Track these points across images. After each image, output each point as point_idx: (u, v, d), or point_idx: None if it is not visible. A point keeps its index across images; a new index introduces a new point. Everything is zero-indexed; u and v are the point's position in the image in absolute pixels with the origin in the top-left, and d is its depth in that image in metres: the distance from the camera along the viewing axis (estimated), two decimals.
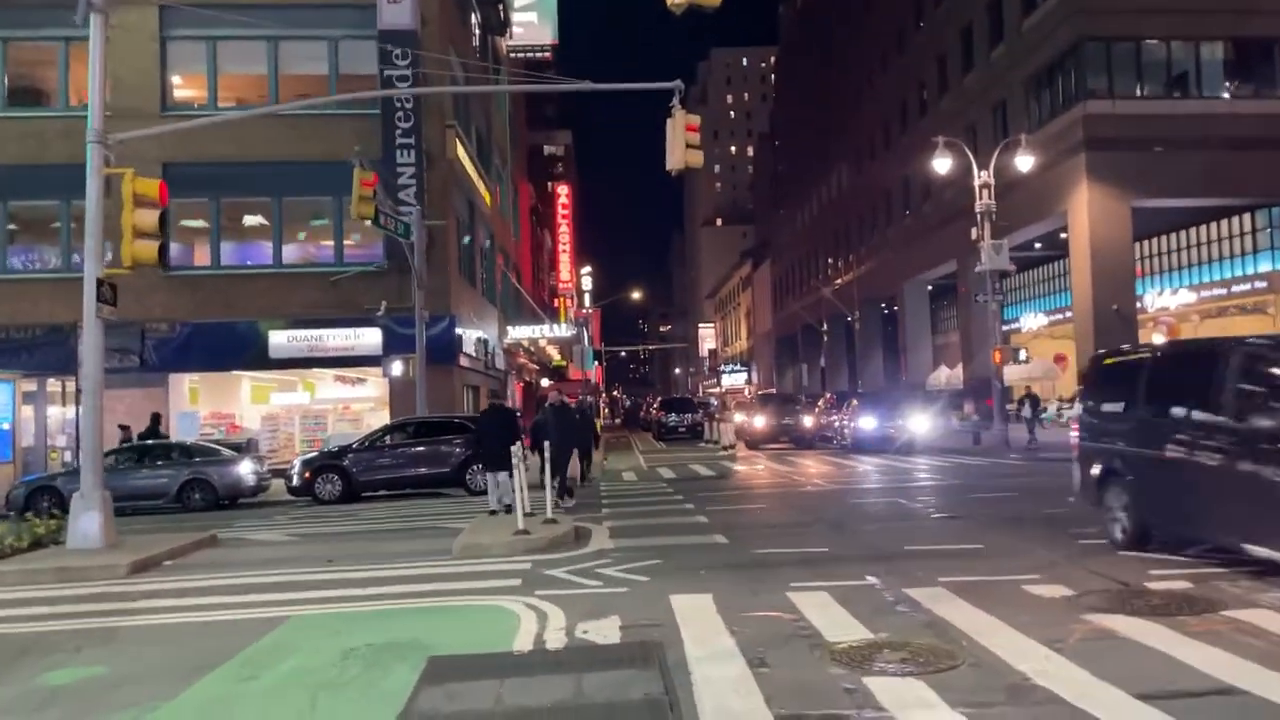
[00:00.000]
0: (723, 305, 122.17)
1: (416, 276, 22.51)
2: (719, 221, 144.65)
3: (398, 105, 26.46)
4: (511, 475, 12.43)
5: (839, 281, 58.75)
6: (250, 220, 28.58)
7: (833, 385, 60.63)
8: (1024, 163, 27.70)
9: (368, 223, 18.85)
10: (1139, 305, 31.35)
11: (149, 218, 12.32)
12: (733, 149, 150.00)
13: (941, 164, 28.30)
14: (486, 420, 15.01)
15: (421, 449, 20.49)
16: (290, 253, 27.84)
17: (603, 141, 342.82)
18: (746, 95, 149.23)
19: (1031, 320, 44.28)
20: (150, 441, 21.41)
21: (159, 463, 20.09)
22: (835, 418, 31.80)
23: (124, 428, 25.32)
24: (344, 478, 20.01)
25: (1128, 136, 29.45)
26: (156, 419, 25.45)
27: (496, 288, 38.43)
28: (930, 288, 48.52)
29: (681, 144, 14.82)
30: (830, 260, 62.70)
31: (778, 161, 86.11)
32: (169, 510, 19.57)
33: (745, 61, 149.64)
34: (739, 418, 36.26)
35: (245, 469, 20.09)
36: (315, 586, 9.31)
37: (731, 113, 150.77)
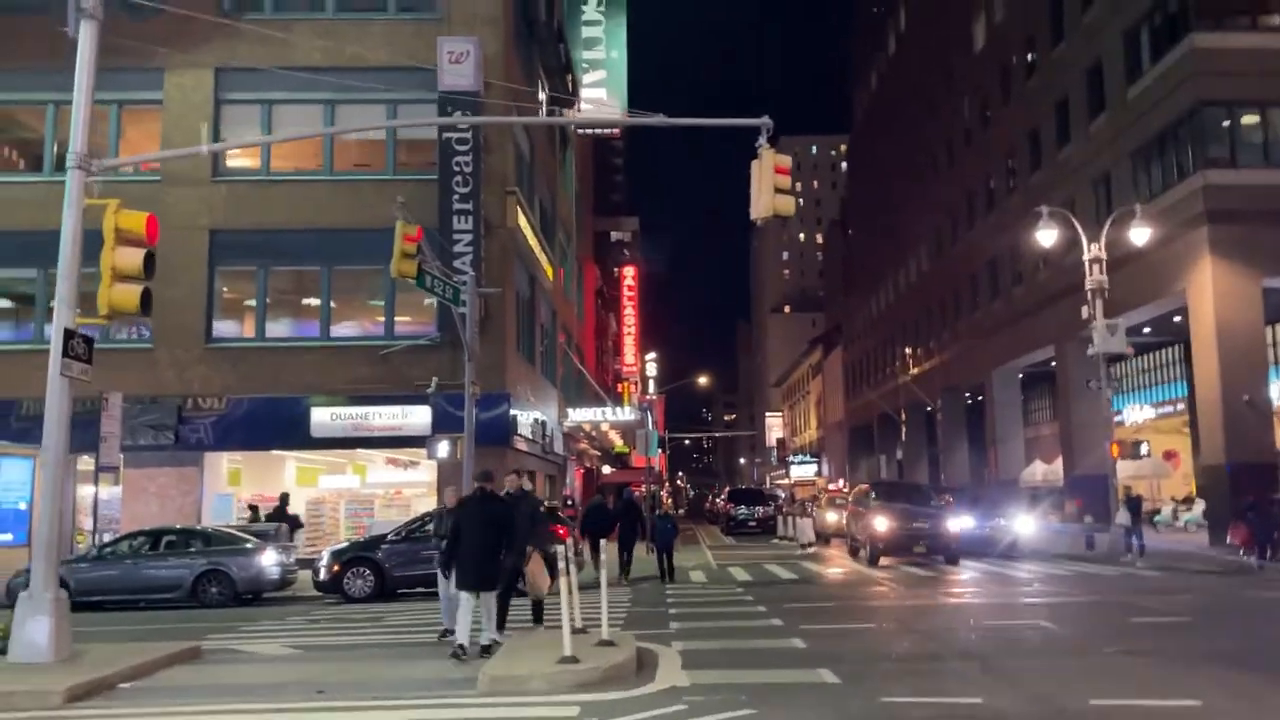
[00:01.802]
0: (791, 394, 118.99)
1: (467, 349, 20.45)
2: (787, 309, 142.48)
3: (456, 170, 24.84)
4: (500, 592, 10.55)
5: (918, 370, 55.71)
6: (298, 290, 27.02)
7: (910, 478, 57.12)
8: (1139, 235, 24.99)
9: (413, 283, 16.82)
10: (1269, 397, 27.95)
11: (133, 258, 10.30)
12: (801, 236, 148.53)
13: (1046, 235, 25.73)
14: (466, 514, 10.24)
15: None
16: (339, 326, 26.11)
17: (669, 227, 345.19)
18: (816, 183, 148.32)
19: (1137, 413, 40.72)
20: (164, 527, 19.30)
21: (173, 552, 17.97)
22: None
23: (253, 508, 23.61)
24: (377, 572, 17.68)
25: (1255, 209, 26.58)
26: (285, 499, 23.66)
27: (557, 368, 36.38)
28: (1021, 376, 45.30)
29: (769, 188, 12.57)
30: (908, 347, 59.72)
31: (850, 247, 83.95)
32: (183, 605, 17.40)
33: (814, 149, 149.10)
34: (831, 516, 32.24)
35: (268, 560, 17.86)
36: None
37: (800, 200, 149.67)
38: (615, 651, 8.99)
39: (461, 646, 9.65)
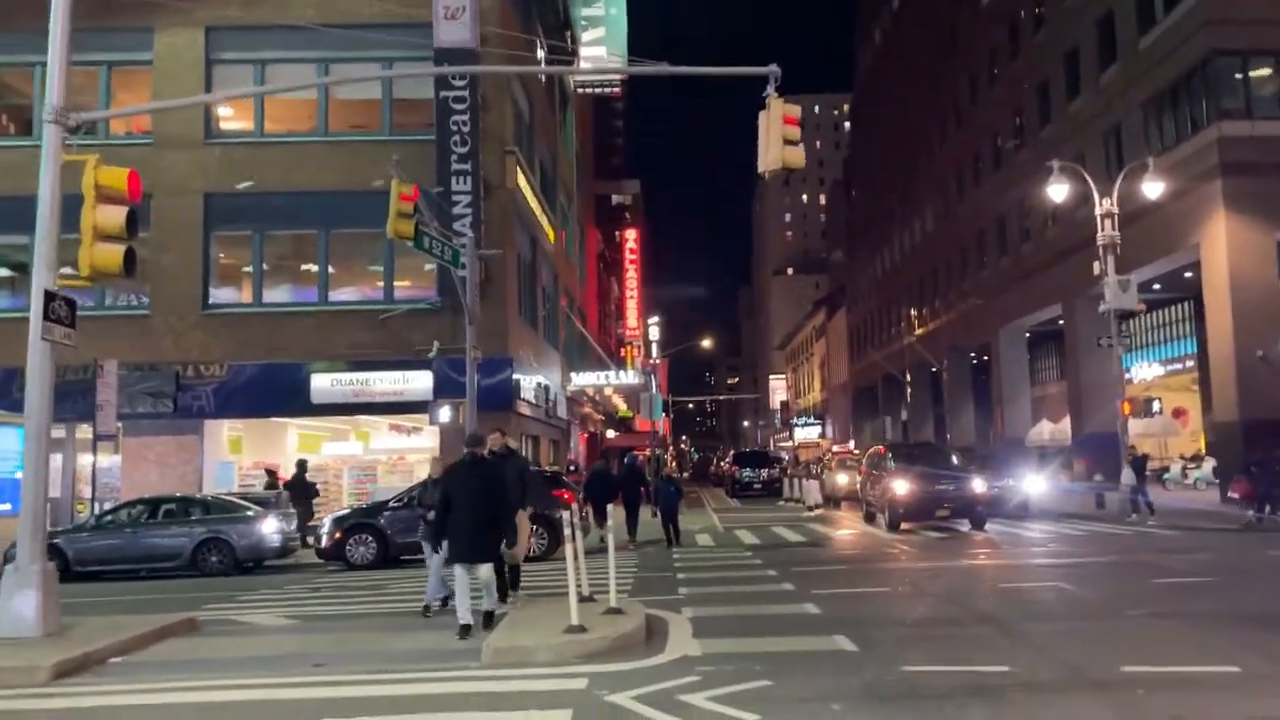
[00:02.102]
0: (794, 356, 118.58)
1: (468, 313, 20.04)
2: (790, 271, 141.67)
3: (454, 129, 24.30)
4: (493, 565, 9.65)
5: (923, 330, 55.26)
6: (295, 255, 26.56)
7: (916, 439, 56.89)
8: (1152, 189, 24.43)
9: (410, 245, 16.36)
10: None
11: (115, 216, 9.82)
12: (804, 198, 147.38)
13: (1057, 190, 25.16)
14: (456, 482, 9.38)
15: None
16: (337, 290, 25.68)
17: (670, 190, 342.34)
18: (818, 144, 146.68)
19: (1145, 370, 40.29)
20: (164, 495, 18.99)
21: (173, 520, 17.69)
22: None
23: (270, 472, 23.27)
24: (380, 539, 17.41)
25: (1270, 161, 26.00)
26: (303, 467, 23.32)
27: (560, 332, 35.98)
28: (1028, 335, 44.84)
29: (778, 139, 12.11)
30: (913, 308, 59.24)
31: (854, 208, 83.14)
32: (183, 575, 17.16)
33: (817, 109, 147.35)
34: (842, 478, 31.62)
35: (269, 528, 17.59)
36: (285, 712, 6.60)
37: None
38: (624, 620, 8.68)
39: (466, 626, 9.04)
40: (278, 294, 25.88)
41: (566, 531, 8.89)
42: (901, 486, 21.10)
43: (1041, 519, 23.76)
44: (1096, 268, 24.90)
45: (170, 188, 24.82)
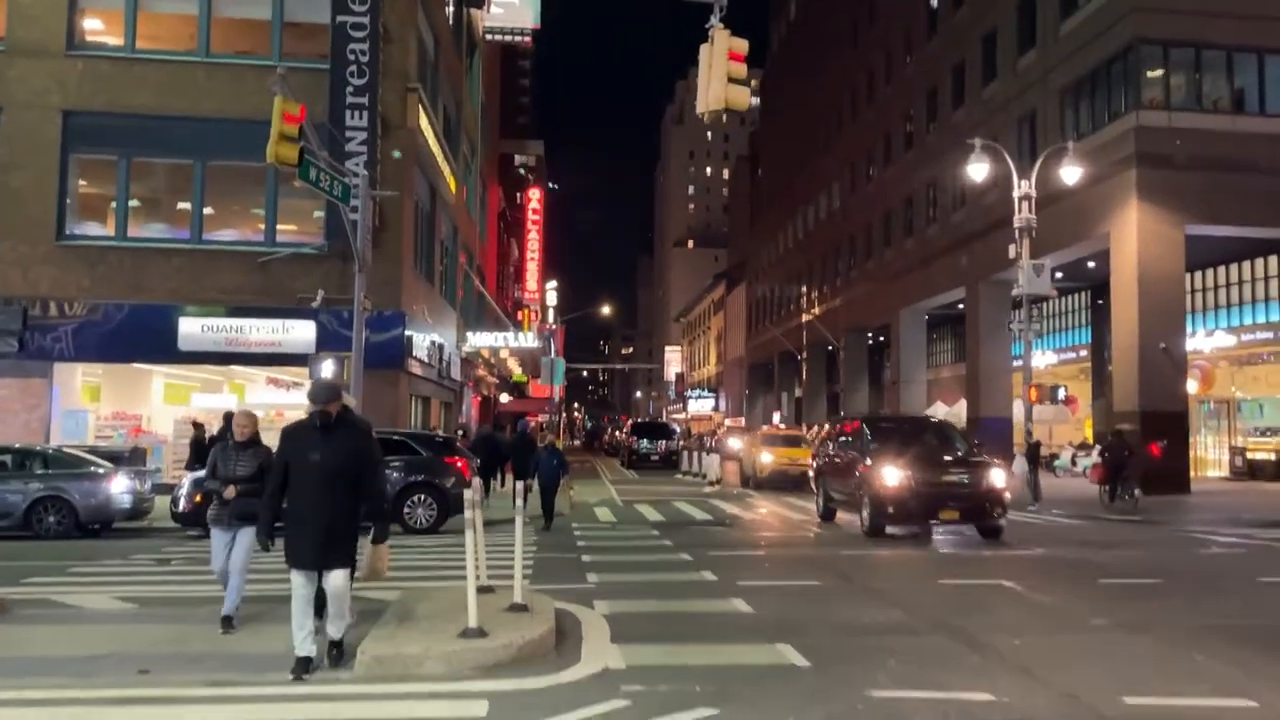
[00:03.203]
0: (691, 329, 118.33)
1: (358, 259, 18.20)
2: (690, 243, 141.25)
3: (351, 59, 22.26)
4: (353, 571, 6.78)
5: (823, 308, 55.09)
6: (167, 187, 24.13)
7: (809, 417, 56.95)
8: (1070, 174, 24.06)
9: (295, 177, 14.51)
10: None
11: None
12: (708, 171, 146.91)
13: (976, 169, 24.55)
14: (298, 451, 6.46)
15: None
16: (213, 229, 23.39)
17: (573, 156, 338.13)
18: (724, 117, 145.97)
19: (1039, 358, 40.68)
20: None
21: (6, 474, 15.50)
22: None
23: (197, 425, 20.57)
24: None
25: (1185, 154, 25.97)
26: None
27: (457, 290, 34.12)
28: (927, 317, 44.89)
29: (721, 75, 10.80)
30: (814, 286, 59.06)
31: (759, 182, 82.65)
32: (16, 536, 15.06)
33: None
34: (765, 457, 28.82)
35: (118, 487, 15.56)
36: None
37: (709, 134, 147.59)
38: (530, 621, 7.29)
39: (304, 660, 6.35)
40: (145, 229, 23.47)
41: (467, 514, 7.45)
42: (892, 477, 15.24)
43: None
44: (1011, 250, 24.43)
45: (23, 102, 22.15)
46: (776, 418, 63.86)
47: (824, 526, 17.77)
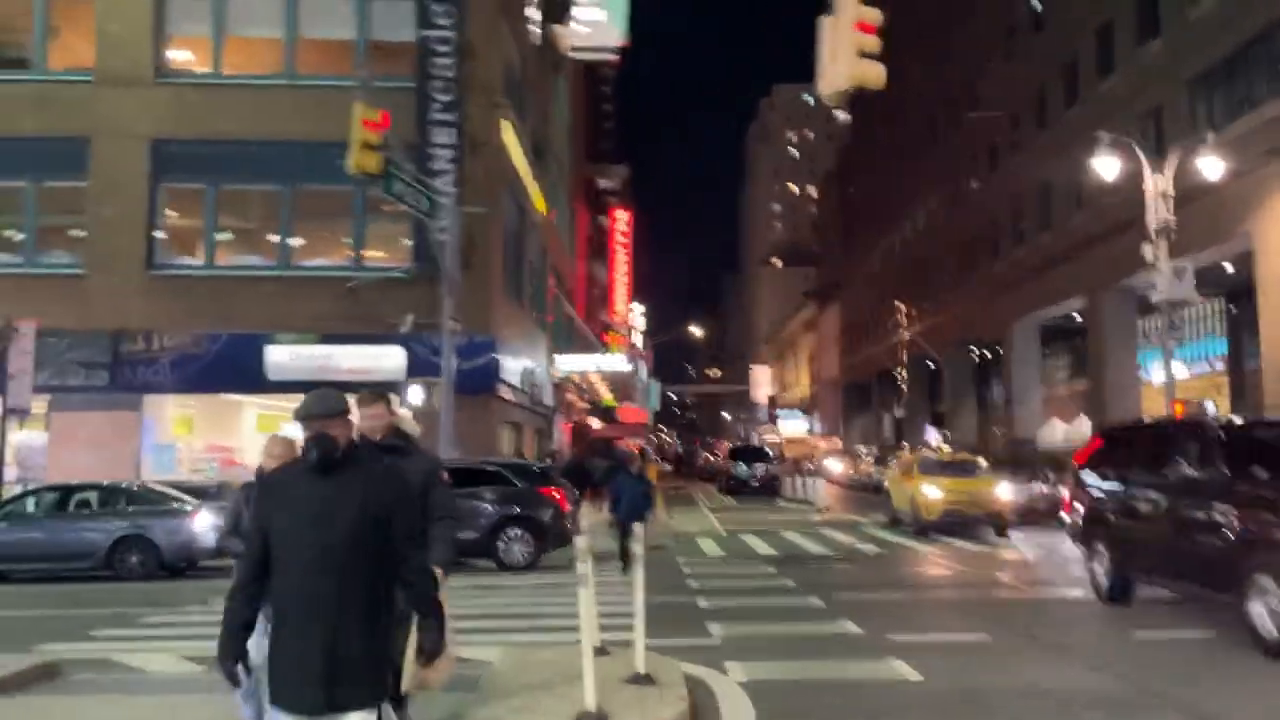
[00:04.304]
0: (780, 349, 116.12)
1: (446, 280, 17.27)
2: (778, 262, 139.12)
3: (436, 75, 21.49)
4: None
5: (924, 324, 52.82)
6: (254, 213, 23.73)
7: (912, 438, 54.61)
8: (1211, 168, 21.88)
9: (379, 189, 13.60)
10: None
11: None
12: (794, 189, 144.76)
13: (1105, 164, 22.53)
14: (290, 506, 3.59)
15: None
16: (300, 254, 22.86)
17: (658, 178, 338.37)
18: (811, 134, 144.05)
19: (1164, 371, 37.92)
20: (77, 483, 16.08)
21: (86, 511, 14.86)
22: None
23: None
24: None
25: None
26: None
27: (547, 314, 33.22)
28: (1039, 330, 42.36)
29: (849, 50, 9.41)
30: (914, 302, 56.83)
31: (849, 198, 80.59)
32: (98, 577, 14.37)
33: (810, 98, 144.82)
34: (934, 492, 20.61)
35: (202, 524, 14.77)
36: None
37: (795, 151, 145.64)
38: (659, 698, 5.94)
39: None
40: (233, 257, 23.08)
41: (580, 567, 6.16)
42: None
43: None
44: (1148, 253, 22.32)
45: (111, 130, 21.93)
46: (932, 436, 47.70)
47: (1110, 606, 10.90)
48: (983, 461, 25.08)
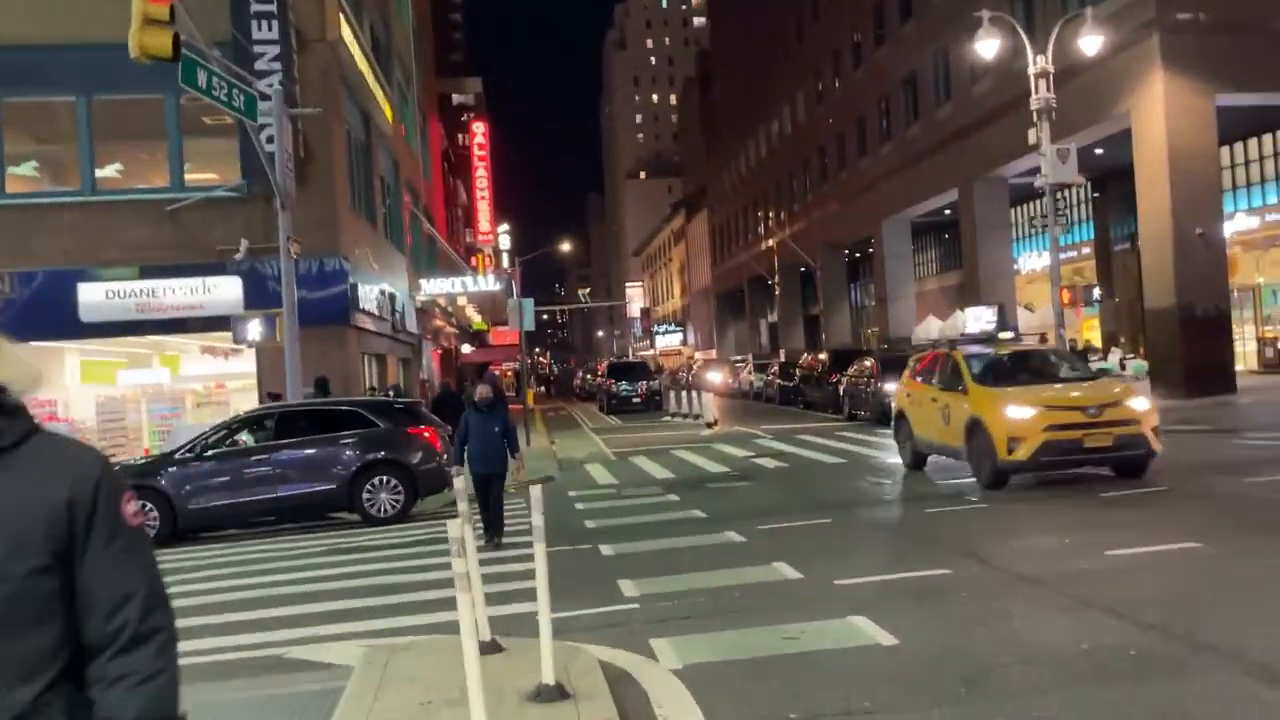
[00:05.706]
0: (651, 263, 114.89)
1: (279, 194, 14.89)
2: (643, 175, 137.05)
3: None
4: None
5: (794, 228, 52.14)
6: (49, 129, 20.48)
7: (787, 343, 54.43)
8: (1090, 44, 21.14)
9: (188, 99, 11.17)
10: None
11: None
12: (654, 97, 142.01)
13: (986, 46, 21.46)
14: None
15: (291, 455, 13.01)
16: (107, 176, 19.85)
17: (513, 94, 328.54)
18: (667, 40, 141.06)
19: (1034, 259, 38.17)
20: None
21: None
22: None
23: (273, 396, 16.64)
24: (164, 505, 12.46)
25: (1210, 17, 23.15)
26: (323, 385, 16.84)
27: (405, 234, 30.67)
28: (910, 226, 42.06)
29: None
30: (783, 206, 56.00)
31: (711, 103, 78.86)
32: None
33: (665, 3, 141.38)
34: (1022, 411, 12.38)
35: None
36: None
37: (652, 59, 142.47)
38: (576, 713, 4.36)
39: None
40: (28, 184, 19.88)
41: (452, 532, 4.43)
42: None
43: None
44: (1031, 135, 21.54)
45: None
46: (973, 320, 23.31)
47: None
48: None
